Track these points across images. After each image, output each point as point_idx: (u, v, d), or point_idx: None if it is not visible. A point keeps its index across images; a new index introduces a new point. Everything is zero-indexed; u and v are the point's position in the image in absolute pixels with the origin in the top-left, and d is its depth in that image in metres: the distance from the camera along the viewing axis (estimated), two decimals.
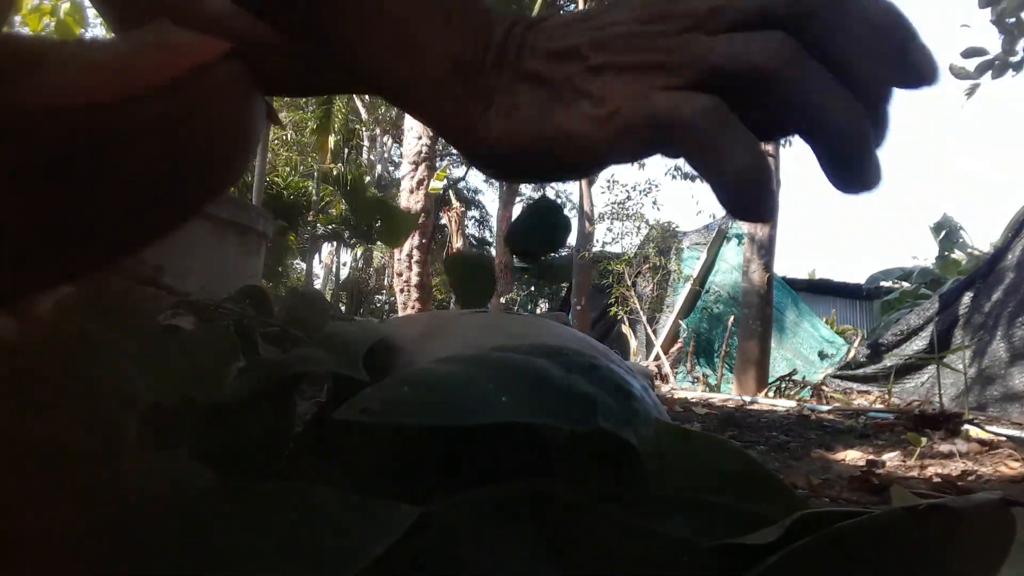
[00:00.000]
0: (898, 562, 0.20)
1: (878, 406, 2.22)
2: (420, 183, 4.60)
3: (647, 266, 6.30)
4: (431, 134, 4.51)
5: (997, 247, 2.76)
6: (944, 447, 1.13)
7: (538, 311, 12.30)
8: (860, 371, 3.53)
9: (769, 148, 4.02)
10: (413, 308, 4.54)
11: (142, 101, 0.42)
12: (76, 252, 0.46)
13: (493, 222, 10.36)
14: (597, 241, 7.08)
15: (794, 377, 3.86)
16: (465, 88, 0.32)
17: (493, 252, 11.48)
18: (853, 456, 1.10)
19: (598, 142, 0.29)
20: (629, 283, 6.23)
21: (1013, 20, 3.38)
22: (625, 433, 0.26)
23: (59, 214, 0.42)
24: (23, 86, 0.41)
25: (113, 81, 0.44)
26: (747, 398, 2.70)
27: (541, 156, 0.31)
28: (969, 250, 5.42)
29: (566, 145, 0.30)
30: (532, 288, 13.80)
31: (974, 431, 1.28)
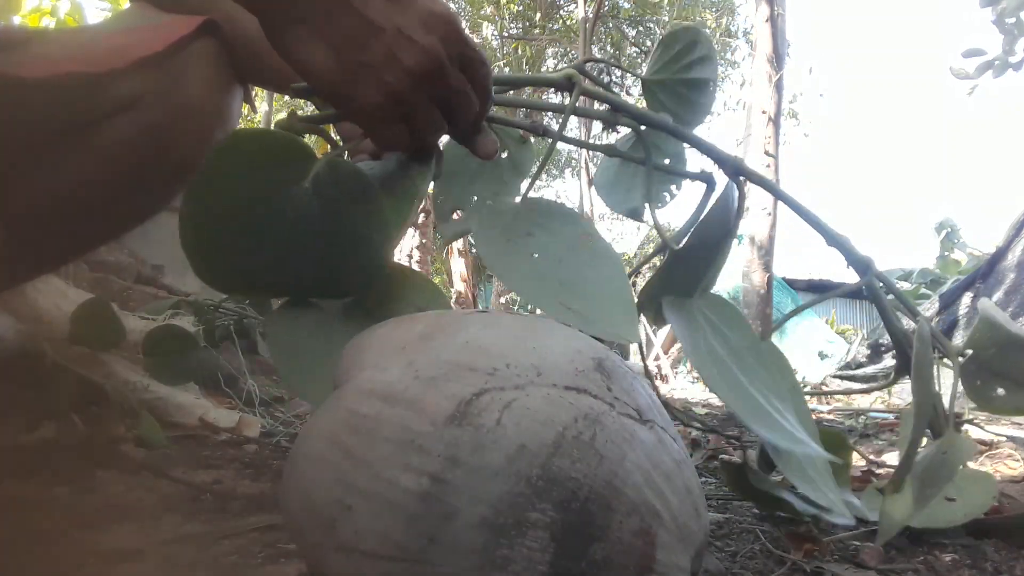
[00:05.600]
0: None
1: (878, 406, 2.21)
2: None
3: (647, 266, 6.29)
4: None
5: (998, 247, 2.75)
6: None
7: (539, 311, 12.24)
8: (860, 371, 3.52)
9: (770, 149, 4.01)
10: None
11: (123, 75, 0.43)
12: (61, 236, 0.46)
13: None
14: None
15: None
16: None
17: None
18: (853, 456, 1.10)
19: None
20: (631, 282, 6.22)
21: (1013, 20, 3.37)
22: None
23: (46, 194, 0.42)
24: (14, 59, 0.41)
25: (96, 55, 0.44)
26: None
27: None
28: (969, 250, 5.41)
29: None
30: None
31: (974, 431, 1.28)
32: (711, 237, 0.63)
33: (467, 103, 0.48)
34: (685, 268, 0.62)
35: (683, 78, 0.76)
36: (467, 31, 0.49)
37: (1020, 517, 0.61)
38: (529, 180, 0.66)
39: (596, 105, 0.68)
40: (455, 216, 0.70)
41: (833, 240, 0.68)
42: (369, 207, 0.48)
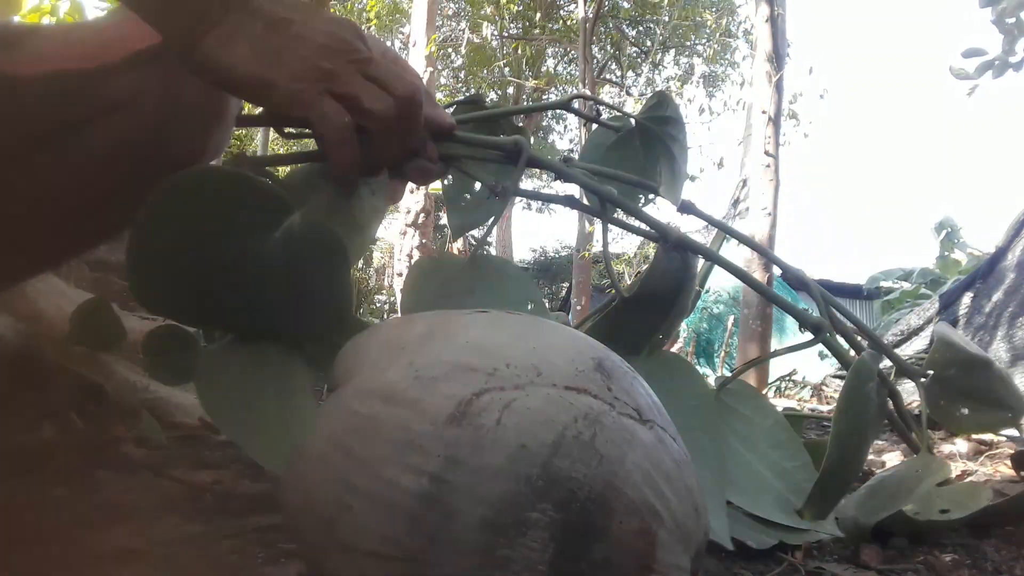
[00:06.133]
0: None
1: None
2: None
3: (647, 266, 6.30)
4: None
5: (998, 247, 2.75)
6: (944, 447, 1.13)
7: None
8: None
9: (770, 149, 4.01)
10: None
11: (118, 71, 0.43)
12: (58, 235, 0.46)
13: None
14: (597, 241, 7.08)
15: (794, 377, 3.86)
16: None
17: (493, 252, 11.45)
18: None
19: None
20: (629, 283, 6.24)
21: (1013, 20, 3.37)
22: None
23: (42, 193, 0.42)
24: (7, 57, 0.41)
25: (90, 50, 0.44)
26: None
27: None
28: (969, 250, 5.41)
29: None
30: None
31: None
32: (660, 295, 0.62)
33: (395, 76, 0.46)
34: (634, 321, 0.61)
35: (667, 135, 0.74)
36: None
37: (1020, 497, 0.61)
38: (486, 229, 0.67)
39: (595, 110, 0.67)
40: (464, 202, 0.69)
41: (796, 282, 0.69)
42: (338, 272, 0.48)
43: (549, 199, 0.67)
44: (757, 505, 0.57)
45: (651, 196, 0.75)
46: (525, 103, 10.66)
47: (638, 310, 0.60)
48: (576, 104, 0.72)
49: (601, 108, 0.76)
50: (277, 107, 0.44)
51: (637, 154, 0.76)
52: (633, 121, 0.75)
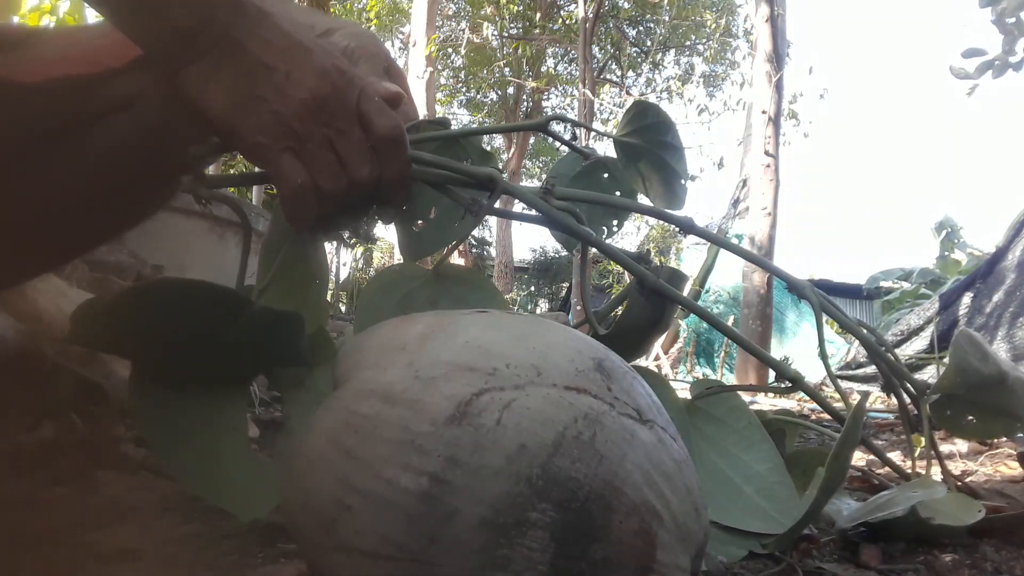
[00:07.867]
0: None
1: (878, 406, 2.21)
2: None
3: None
4: None
5: (998, 247, 2.75)
6: (944, 447, 1.13)
7: (538, 311, 12.29)
8: (860, 371, 3.52)
9: (769, 148, 4.01)
10: None
11: (120, 74, 0.43)
12: (58, 236, 0.46)
13: (492, 222, 10.36)
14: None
15: None
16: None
17: (493, 252, 11.46)
18: (853, 456, 1.10)
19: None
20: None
21: (1013, 20, 3.37)
22: None
23: (43, 196, 0.42)
24: (9, 61, 0.41)
25: (91, 54, 0.44)
26: (747, 398, 2.70)
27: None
28: (969, 250, 5.40)
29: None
30: (532, 288, 13.78)
31: None
32: (638, 330, 0.63)
33: (357, 157, 0.46)
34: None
35: (658, 143, 0.73)
36: (374, 92, 0.46)
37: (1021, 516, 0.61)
38: (452, 245, 0.67)
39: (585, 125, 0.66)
40: (415, 227, 0.68)
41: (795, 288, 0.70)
42: (296, 335, 0.52)
43: (525, 219, 0.64)
44: (728, 515, 0.57)
45: (615, 226, 0.75)
46: (525, 103, 10.66)
47: (613, 343, 0.60)
48: (554, 125, 0.70)
49: (579, 129, 0.74)
50: (240, 153, 0.45)
51: (601, 183, 0.75)
52: (611, 141, 0.75)
